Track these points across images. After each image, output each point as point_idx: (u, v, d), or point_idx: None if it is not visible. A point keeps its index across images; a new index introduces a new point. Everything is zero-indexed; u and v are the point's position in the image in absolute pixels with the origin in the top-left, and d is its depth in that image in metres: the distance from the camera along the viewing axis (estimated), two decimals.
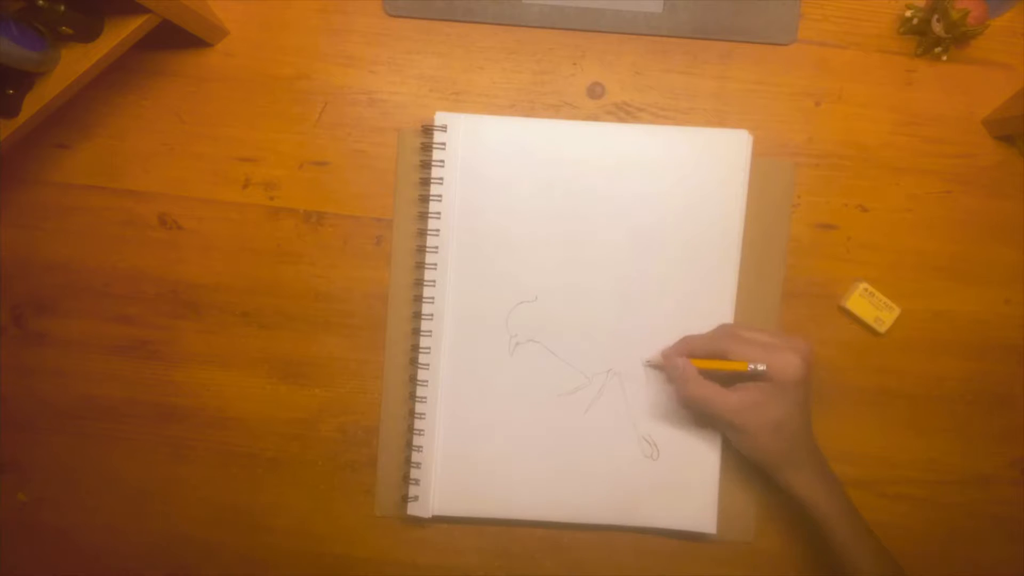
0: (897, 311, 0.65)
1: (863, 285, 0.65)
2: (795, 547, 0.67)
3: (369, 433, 0.67)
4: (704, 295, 0.64)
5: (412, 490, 0.64)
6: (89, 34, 0.55)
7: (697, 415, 0.64)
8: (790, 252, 0.66)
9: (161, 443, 0.67)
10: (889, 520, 0.66)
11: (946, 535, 0.67)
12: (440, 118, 0.63)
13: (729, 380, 0.59)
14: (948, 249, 0.66)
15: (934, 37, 0.63)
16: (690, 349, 0.61)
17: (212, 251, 0.66)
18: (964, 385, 0.66)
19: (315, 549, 0.68)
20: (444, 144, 0.63)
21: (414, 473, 0.64)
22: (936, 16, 0.62)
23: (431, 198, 0.63)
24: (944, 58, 0.64)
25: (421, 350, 0.64)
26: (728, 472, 0.65)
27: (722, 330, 0.61)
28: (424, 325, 0.64)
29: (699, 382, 0.59)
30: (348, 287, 0.66)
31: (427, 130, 0.63)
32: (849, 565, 0.58)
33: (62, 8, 0.51)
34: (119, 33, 0.55)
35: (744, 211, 0.63)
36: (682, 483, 0.65)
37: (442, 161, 0.63)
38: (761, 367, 0.56)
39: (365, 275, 0.66)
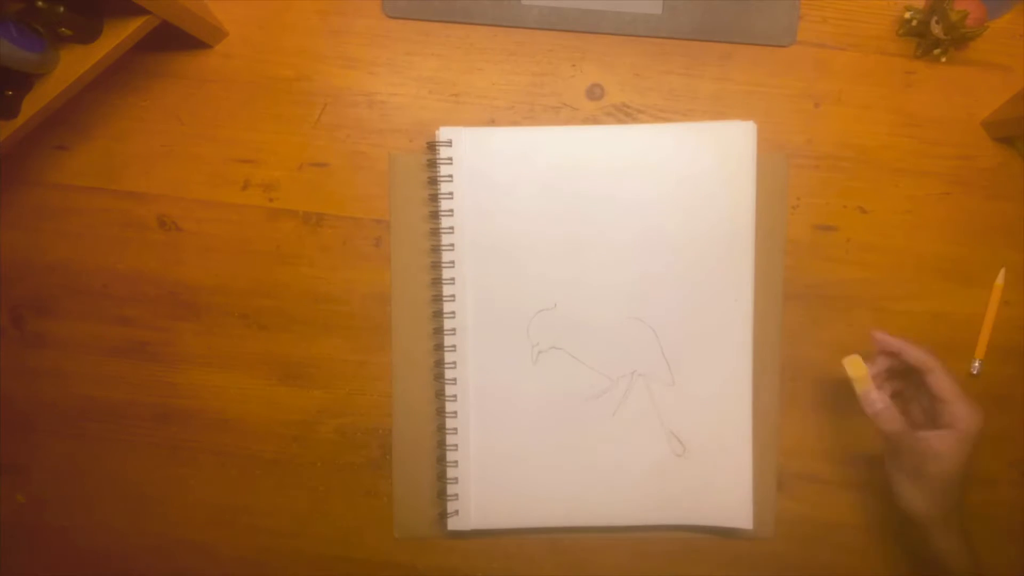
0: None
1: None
2: (794, 548, 0.67)
3: (368, 435, 0.67)
4: (722, 290, 0.64)
5: (451, 505, 0.64)
6: (88, 35, 0.55)
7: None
8: (790, 254, 0.66)
9: (160, 444, 0.67)
10: (890, 521, 0.66)
11: None
12: (445, 133, 0.63)
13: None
14: (947, 251, 0.66)
15: (933, 39, 0.63)
16: (900, 348, 0.58)
17: (211, 252, 0.66)
18: (964, 386, 0.66)
19: (314, 550, 0.68)
20: (451, 159, 0.63)
21: (451, 488, 0.64)
22: (935, 18, 0.62)
23: (442, 213, 0.63)
24: (943, 60, 0.64)
25: (447, 365, 0.64)
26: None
27: (930, 353, 0.58)
28: (447, 340, 0.64)
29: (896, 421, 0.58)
30: (348, 288, 0.66)
31: (432, 146, 0.63)
32: None
33: (61, 9, 0.51)
34: (118, 34, 0.55)
35: (754, 201, 0.63)
36: (714, 479, 0.65)
37: (450, 176, 0.63)
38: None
39: (365, 276, 0.66)
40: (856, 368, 0.58)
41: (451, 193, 0.63)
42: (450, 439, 0.64)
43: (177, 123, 0.65)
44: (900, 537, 0.65)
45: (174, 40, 0.61)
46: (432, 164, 0.63)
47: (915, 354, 0.58)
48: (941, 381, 0.57)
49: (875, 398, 0.58)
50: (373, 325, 0.66)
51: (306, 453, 0.67)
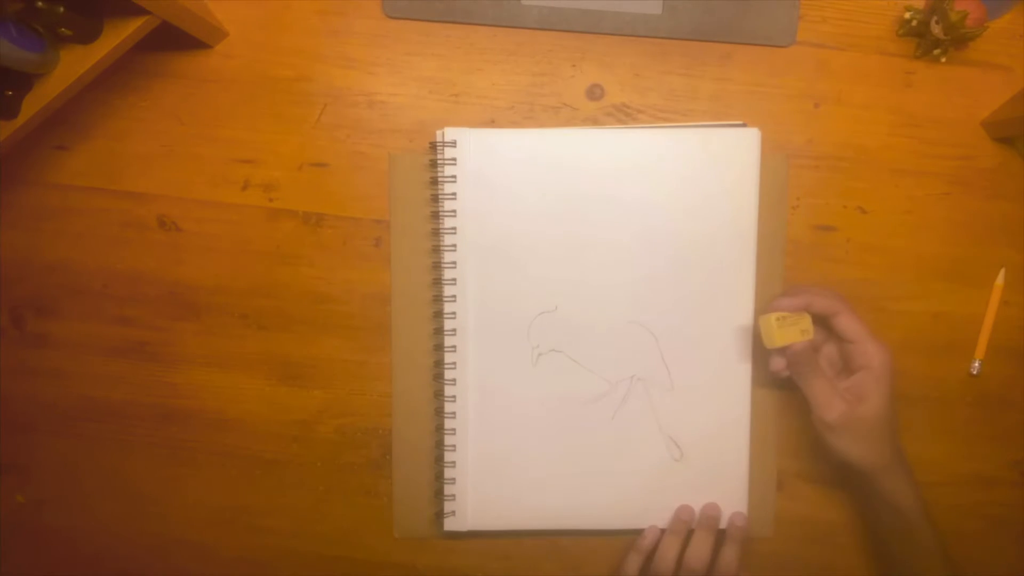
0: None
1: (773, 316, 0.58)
2: (794, 548, 0.67)
3: (368, 435, 0.67)
4: (723, 294, 0.64)
5: (448, 505, 0.64)
6: (88, 35, 0.55)
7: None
8: (790, 254, 0.66)
9: (160, 445, 0.67)
10: None
11: (946, 536, 0.67)
12: (450, 133, 0.63)
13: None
14: (947, 251, 0.66)
15: (933, 39, 0.63)
16: (807, 303, 0.59)
17: (211, 253, 0.66)
18: (964, 387, 0.66)
19: (314, 551, 0.68)
20: (455, 160, 0.63)
21: (448, 489, 0.64)
22: (935, 18, 0.62)
23: (444, 214, 0.63)
24: (943, 60, 0.64)
25: (447, 366, 0.64)
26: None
27: (836, 296, 0.59)
28: (447, 341, 0.64)
29: (819, 371, 0.58)
30: (347, 288, 0.66)
31: (435, 146, 0.63)
32: (930, 570, 0.59)
33: (61, 9, 0.51)
34: (118, 34, 0.55)
35: (757, 208, 0.63)
36: (710, 485, 0.65)
37: (454, 176, 0.63)
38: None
39: (364, 277, 0.66)
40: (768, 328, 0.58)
41: (454, 194, 0.63)
42: (448, 439, 0.64)
43: (177, 123, 0.65)
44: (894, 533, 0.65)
45: (174, 40, 0.61)
46: (435, 164, 0.63)
47: (822, 301, 0.58)
48: (849, 322, 0.58)
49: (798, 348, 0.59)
50: (373, 325, 0.66)
51: (306, 453, 0.67)
